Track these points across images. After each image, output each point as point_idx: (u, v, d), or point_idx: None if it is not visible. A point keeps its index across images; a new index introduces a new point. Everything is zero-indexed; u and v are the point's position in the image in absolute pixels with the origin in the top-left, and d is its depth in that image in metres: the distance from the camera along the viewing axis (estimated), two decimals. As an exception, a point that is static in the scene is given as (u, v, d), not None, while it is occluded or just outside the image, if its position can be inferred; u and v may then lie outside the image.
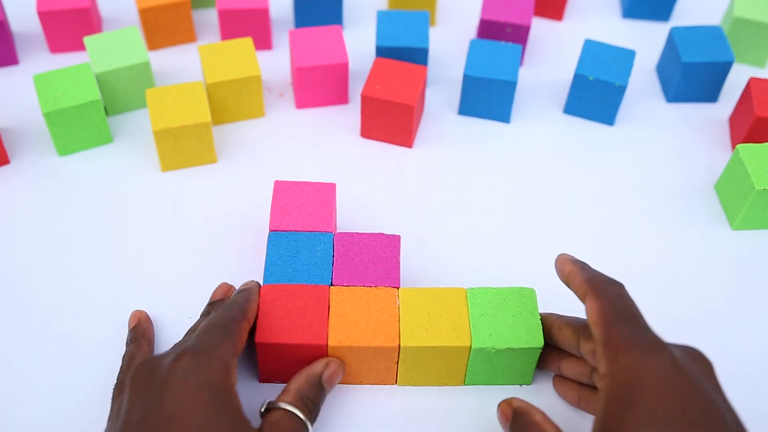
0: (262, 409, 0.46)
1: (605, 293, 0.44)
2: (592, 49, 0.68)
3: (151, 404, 0.42)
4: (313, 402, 0.47)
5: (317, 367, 0.48)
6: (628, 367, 0.40)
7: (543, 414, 0.46)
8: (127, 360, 0.50)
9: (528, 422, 0.45)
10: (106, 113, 0.66)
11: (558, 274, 0.49)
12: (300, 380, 0.47)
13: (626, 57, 0.68)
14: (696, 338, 0.55)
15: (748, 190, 0.59)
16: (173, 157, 0.63)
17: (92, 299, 0.56)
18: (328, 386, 0.48)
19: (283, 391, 0.47)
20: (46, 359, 0.52)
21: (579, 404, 0.50)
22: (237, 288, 0.54)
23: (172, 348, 0.47)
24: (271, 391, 0.51)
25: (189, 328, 0.52)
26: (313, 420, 0.46)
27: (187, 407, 0.41)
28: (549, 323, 0.50)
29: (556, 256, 0.50)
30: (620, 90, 0.66)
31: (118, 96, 0.67)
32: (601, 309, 0.44)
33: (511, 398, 0.47)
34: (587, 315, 0.45)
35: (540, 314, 0.51)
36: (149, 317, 0.54)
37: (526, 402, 0.47)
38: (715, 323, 0.56)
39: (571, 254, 0.49)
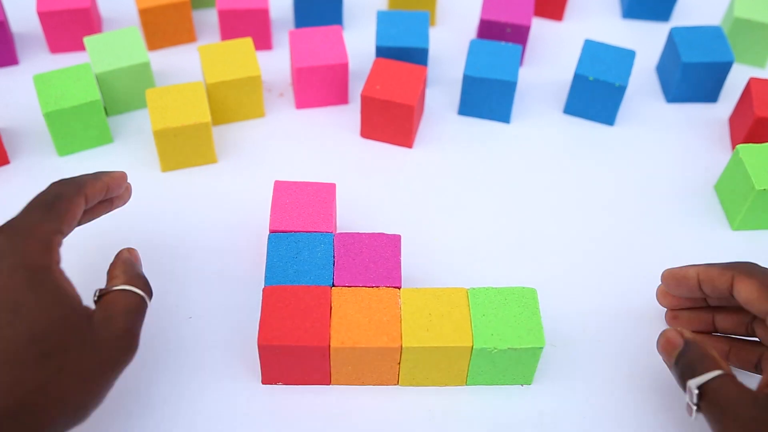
0: (95, 298, 0.45)
1: (752, 269, 0.47)
2: (592, 49, 0.68)
3: None
4: (139, 276, 0.47)
5: (121, 253, 0.49)
6: None
7: (715, 351, 0.46)
8: (73, 177, 0.48)
9: (703, 355, 0.45)
10: (106, 113, 0.66)
11: (676, 289, 0.51)
12: (117, 267, 0.47)
13: (626, 57, 0.68)
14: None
15: (748, 190, 0.59)
16: (173, 157, 0.63)
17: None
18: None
19: (109, 279, 0.47)
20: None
21: (728, 357, 0.50)
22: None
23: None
24: (273, 393, 0.51)
25: None
26: (150, 292, 0.47)
27: (3, 287, 0.40)
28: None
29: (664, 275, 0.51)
30: (620, 90, 0.66)
31: (118, 96, 0.67)
32: (760, 282, 0.45)
33: (681, 329, 0.47)
34: (745, 295, 0.46)
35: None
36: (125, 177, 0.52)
37: (699, 335, 0.48)
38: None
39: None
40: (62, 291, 0.42)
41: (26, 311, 0.40)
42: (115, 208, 0.53)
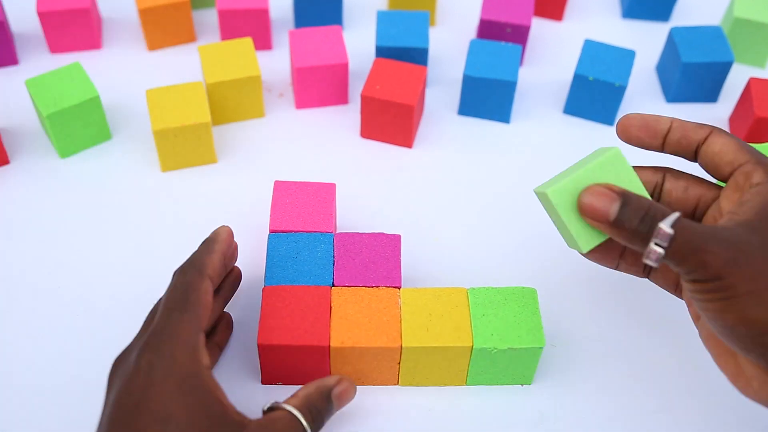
0: (266, 408, 0.46)
1: (724, 131, 0.45)
2: (592, 49, 0.68)
3: (119, 398, 0.41)
4: (318, 411, 0.46)
5: (330, 380, 0.48)
6: None
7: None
8: (189, 260, 0.48)
9: (649, 204, 0.41)
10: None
11: (644, 131, 0.46)
12: (310, 389, 0.47)
13: (626, 57, 0.68)
14: (696, 338, 0.55)
15: (748, 190, 0.59)
16: (173, 157, 0.63)
17: (92, 299, 0.56)
18: (337, 402, 0.47)
19: (293, 395, 0.46)
20: (46, 359, 0.52)
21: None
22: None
23: (141, 327, 0.47)
24: (273, 393, 0.51)
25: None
26: (315, 430, 0.46)
27: (153, 397, 0.40)
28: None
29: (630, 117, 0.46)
30: (620, 90, 0.66)
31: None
32: (735, 141, 0.44)
33: (607, 184, 0.42)
34: (716, 150, 0.44)
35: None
36: (231, 233, 0.51)
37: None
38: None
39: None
40: (213, 399, 0.42)
41: (176, 422, 0.40)
42: (238, 280, 0.53)
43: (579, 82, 0.67)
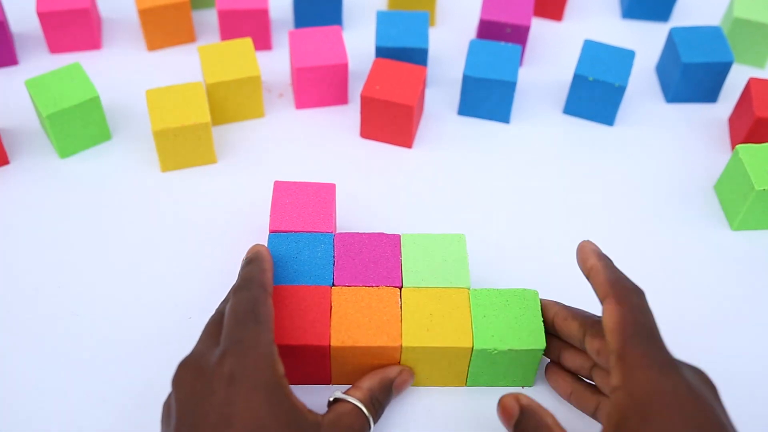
0: (331, 399, 0.47)
1: (628, 302, 0.43)
2: (591, 50, 0.68)
3: (204, 409, 0.41)
4: (380, 403, 0.48)
5: (392, 371, 0.49)
6: (645, 384, 0.40)
7: (553, 417, 0.45)
8: (246, 278, 0.47)
9: (537, 424, 0.44)
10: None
11: (579, 264, 0.48)
12: (373, 380, 0.48)
13: (625, 57, 0.68)
14: (696, 338, 0.55)
15: (748, 190, 0.59)
16: (173, 157, 0.63)
17: (92, 299, 0.56)
18: (396, 391, 0.49)
19: (354, 387, 0.48)
20: (46, 359, 0.52)
21: (570, 398, 0.50)
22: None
23: (204, 333, 0.46)
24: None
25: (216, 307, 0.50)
26: (375, 421, 0.47)
27: (244, 410, 0.40)
28: (554, 312, 0.50)
29: (579, 243, 0.48)
30: (620, 90, 0.66)
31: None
32: (622, 318, 0.43)
33: (517, 394, 0.46)
34: (604, 319, 0.44)
35: (543, 301, 0.51)
36: (269, 251, 0.51)
37: (534, 401, 0.45)
38: (715, 323, 0.56)
39: (596, 244, 0.48)
40: (295, 407, 0.42)
41: None
42: None
43: (578, 82, 0.67)
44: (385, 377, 0.49)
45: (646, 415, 0.40)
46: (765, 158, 0.60)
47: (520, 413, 0.45)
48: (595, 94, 0.68)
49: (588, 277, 0.47)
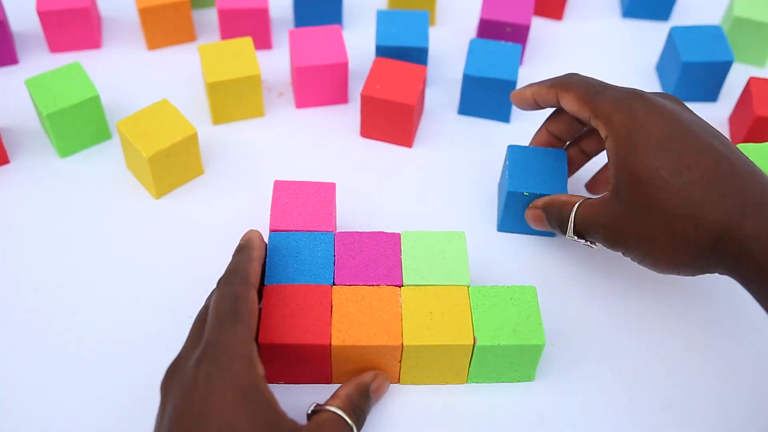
0: (309, 411, 0.46)
1: (570, 82, 0.54)
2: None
3: (179, 409, 0.41)
4: (360, 409, 0.47)
5: (366, 376, 0.49)
6: (622, 121, 0.50)
7: (564, 195, 0.55)
8: (231, 270, 0.48)
9: (559, 207, 0.54)
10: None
11: (520, 106, 0.58)
12: (350, 387, 0.48)
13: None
14: (695, 335, 0.55)
15: (749, 189, 0.59)
16: (167, 179, 0.61)
17: (91, 299, 0.55)
18: (374, 396, 0.49)
19: (333, 396, 0.47)
20: (46, 359, 0.52)
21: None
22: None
23: (190, 333, 0.46)
24: (274, 392, 0.51)
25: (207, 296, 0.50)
26: (359, 427, 0.47)
27: (217, 410, 0.41)
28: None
29: (511, 95, 0.59)
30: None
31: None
32: (576, 94, 0.53)
33: (533, 202, 0.56)
34: (568, 107, 0.54)
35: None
36: (262, 237, 0.52)
37: (547, 197, 0.56)
38: (715, 323, 0.56)
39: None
40: (272, 408, 0.42)
41: None
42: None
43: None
44: (361, 383, 0.48)
45: (632, 138, 0.49)
46: (765, 158, 0.60)
47: (545, 211, 0.56)
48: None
49: (538, 104, 0.57)
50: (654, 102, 0.50)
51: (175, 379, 0.44)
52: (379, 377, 0.49)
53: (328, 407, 0.46)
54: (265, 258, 0.52)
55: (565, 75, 0.55)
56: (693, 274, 0.49)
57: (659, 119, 0.49)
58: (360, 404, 0.47)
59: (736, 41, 0.74)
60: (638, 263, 0.51)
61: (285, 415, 0.43)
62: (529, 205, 0.57)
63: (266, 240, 0.54)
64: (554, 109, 0.59)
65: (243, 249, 0.50)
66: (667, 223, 0.47)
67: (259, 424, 0.41)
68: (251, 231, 0.51)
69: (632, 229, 0.49)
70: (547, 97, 0.56)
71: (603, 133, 0.51)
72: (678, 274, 0.50)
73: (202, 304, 0.55)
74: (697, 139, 0.48)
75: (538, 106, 0.57)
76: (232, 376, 0.42)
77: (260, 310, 0.51)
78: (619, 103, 0.51)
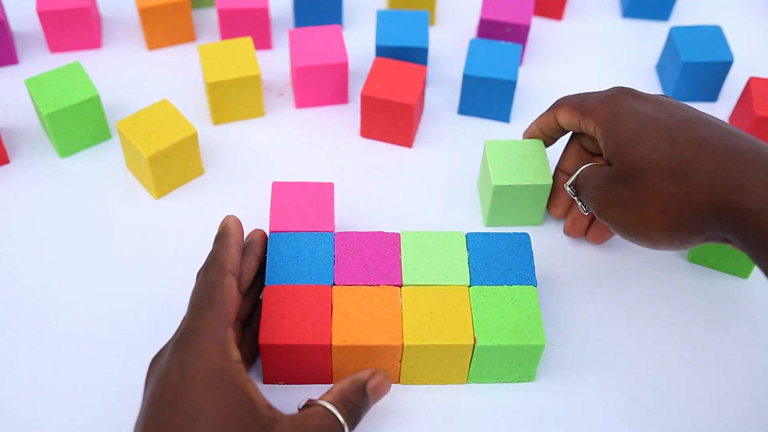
0: (300, 406, 0.46)
1: (562, 100, 0.57)
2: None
3: (154, 396, 0.42)
4: (354, 406, 0.46)
5: (364, 374, 0.48)
6: (608, 108, 0.52)
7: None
8: (209, 259, 0.48)
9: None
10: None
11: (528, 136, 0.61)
12: (344, 383, 0.47)
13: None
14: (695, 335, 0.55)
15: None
16: (167, 179, 0.62)
17: (92, 299, 0.55)
18: (373, 396, 0.48)
19: (327, 392, 0.47)
20: (46, 358, 0.52)
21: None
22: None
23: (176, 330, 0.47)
24: (275, 392, 0.51)
25: None
26: (352, 425, 0.46)
27: (186, 393, 0.41)
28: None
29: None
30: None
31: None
32: (568, 106, 0.55)
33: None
34: (563, 120, 0.56)
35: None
36: (239, 222, 0.51)
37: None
38: (715, 323, 0.56)
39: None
40: (243, 393, 0.42)
41: (205, 417, 0.41)
42: (262, 254, 0.53)
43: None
44: (357, 379, 0.47)
45: (617, 127, 0.50)
46: (765, 157, 0.60)
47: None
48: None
49: (542, 131, 0.60)
50: (640, 92, 0.53)
51: (154, 368, 0.44)
52: (378, 375, 0.48)
53: (319, 401, 0.45)
54: (264, 254, 0.52)
55: (559, 99, 0.58)
56: (687, 239, 0.48)
57: (646, 101, 0.51)
58: (354, 401, 0.46)
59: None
60: (633, 239, 0.50)
61: (261, 400, 0.43)
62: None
63: (265, 239, 0.54)
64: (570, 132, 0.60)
65: (219, 237, 0.50)
66: (662, 178, 0.47)
67: (226, 408, 0.41)
68: (227, 217, 0.51)
69: (622, 191, 0.49)
70: (547, 121, 0.58)
71: (592, 128, 0.53)
72: (672, 241, 0.48)
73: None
74: (685, 110, 0.50)
75: (548, 137, 0.60)
76: (202, 361, 0.42)
77: (260, 310, 0.51)
78: (605, 98, 0.53)
